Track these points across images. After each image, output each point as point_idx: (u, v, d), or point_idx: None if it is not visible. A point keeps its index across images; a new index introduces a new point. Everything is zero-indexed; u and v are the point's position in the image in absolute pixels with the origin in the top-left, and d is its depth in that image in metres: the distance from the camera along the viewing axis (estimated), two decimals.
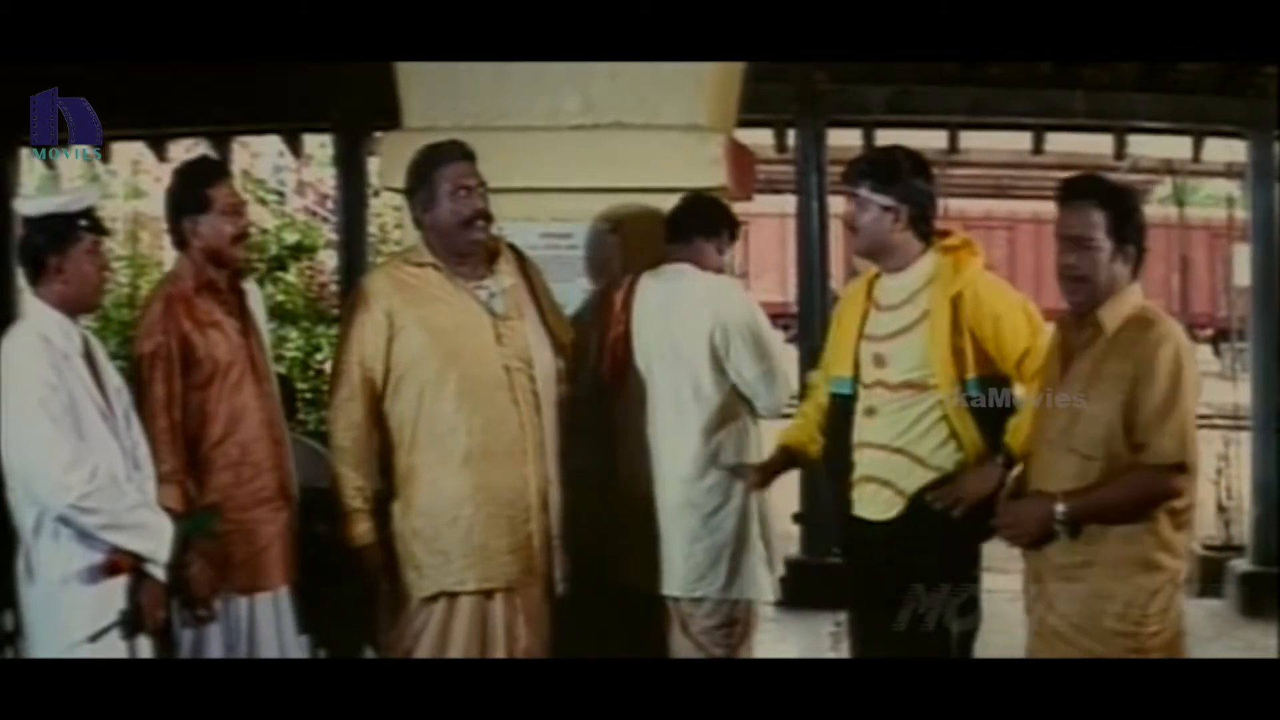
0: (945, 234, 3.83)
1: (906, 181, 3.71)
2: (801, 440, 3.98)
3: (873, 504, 3.71)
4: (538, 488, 3.79)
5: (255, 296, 3.96)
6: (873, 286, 3.81)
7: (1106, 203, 3.29)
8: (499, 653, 3.76)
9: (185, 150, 9.24)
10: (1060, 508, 3.23)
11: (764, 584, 4.13)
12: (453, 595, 3.74)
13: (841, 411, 3.77)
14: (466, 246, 3.81)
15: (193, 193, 3.77)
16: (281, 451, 3.84)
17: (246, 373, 3.75)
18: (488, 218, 3.83)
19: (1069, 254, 3.30)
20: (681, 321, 4.07)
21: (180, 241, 3.81)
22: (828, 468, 3.87)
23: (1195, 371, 3.24)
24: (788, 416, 4.15)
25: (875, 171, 3.74)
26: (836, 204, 6.34)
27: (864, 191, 3.70)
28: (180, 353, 3.65)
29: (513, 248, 4.00)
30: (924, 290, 3.71)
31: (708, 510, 4.06)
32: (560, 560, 3.86)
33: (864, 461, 3.72)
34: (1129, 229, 3.29)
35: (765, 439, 4.22)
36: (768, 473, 4.06)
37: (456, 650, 3.74)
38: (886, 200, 3.68)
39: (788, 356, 4.24)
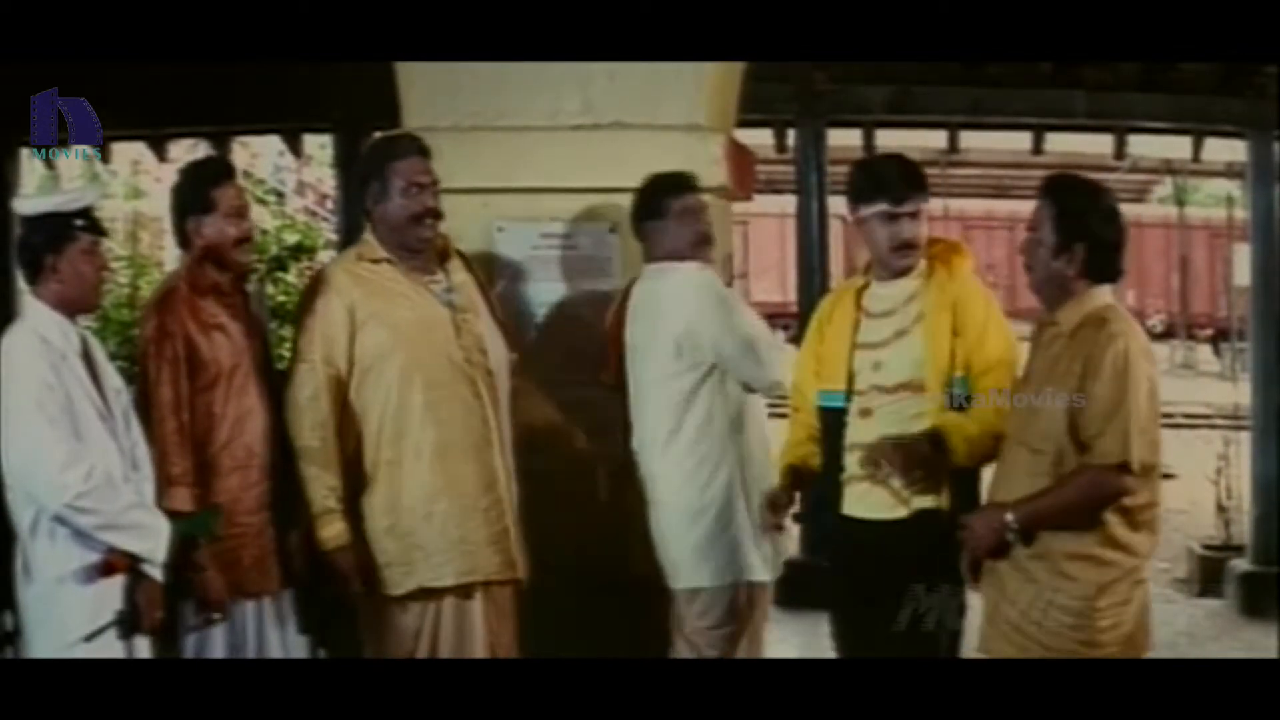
0: (933, 240, 3.82)
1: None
2: (803, 455, 3.91)
3: (865, 502, 3.70)
4: (507, 478, 3.81)
5: (256, 293, 3.94)
6: (861, 296, 3.79)
7: (1055, 199, 3.34)
8: (479, 650, 3.75)
9: (186, 150, 9.24)
10: (1009, 517, 3.27)
11: (754, 564, 4.04)
12: (435, 594, 3.73)
13: (834, 421, 3.75)
14: (415, 243, 3.79)
15: (198, 193, 3.75)
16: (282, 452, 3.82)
17: (251, 375, 3.74)
18: (437, 215, 3.81)
19: (1025, 244, 3.39)
20: (659, 318, 4.05)
21: (184, 241, 3.79)
22: (822, 476, 3.84)
23: (1150, 371, 3.24)
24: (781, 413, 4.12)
25: (919, 180, 3.73)
26: (836, 204, 6.32)
27: (925, 203, 3.72)
28: (186, 354, 3.63)
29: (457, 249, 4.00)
30: (920, 293, 3.70)
31: (694, 507, 4.02)
32: (525, 554, 3.85)
33: (855, 462, 3.70)
34: (1076, 227, 3.29)
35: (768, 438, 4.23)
36: (779, 504, 3.95)
37: (444, 649, 3.73)
38: (925, 205, 3.71)
39: (787, 356, 4.21)
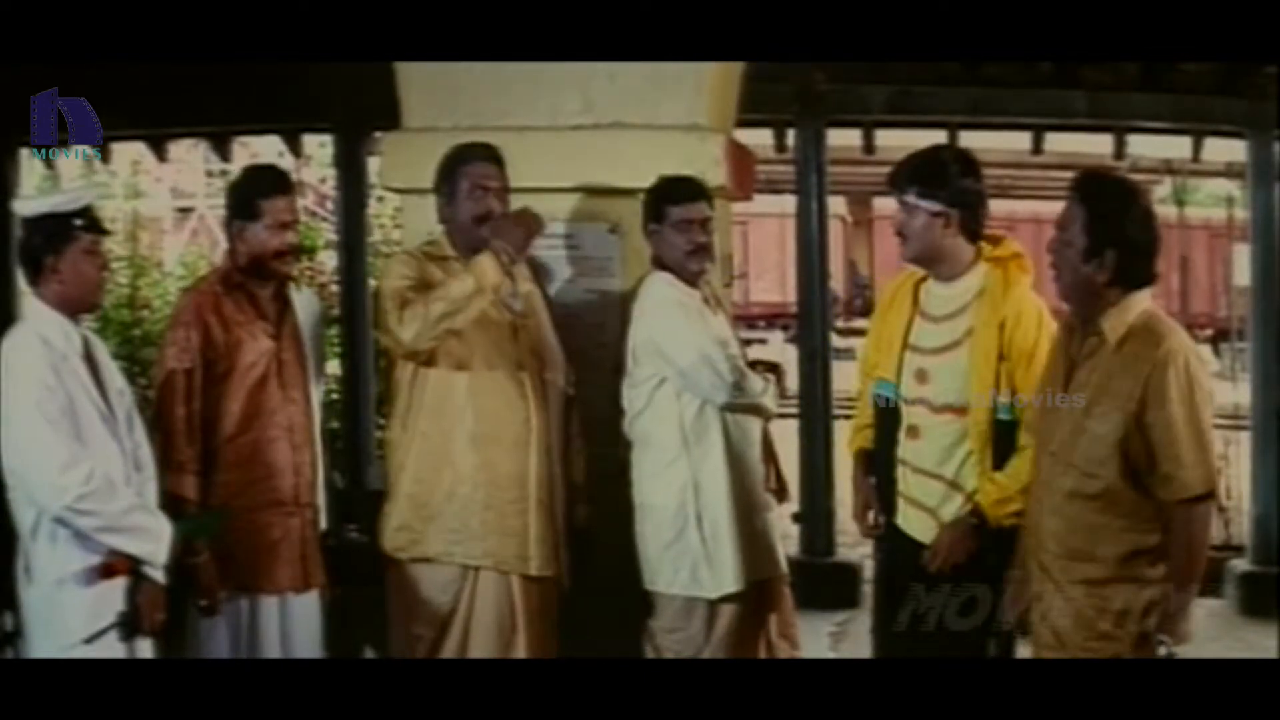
0: (996, 240, 3.77)
1: (955, 183, 3.65)
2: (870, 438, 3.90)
3: (914, 524, 3.72)
4: (539, 480, 3.84)
5: (309, 305, 4.00)
6: (919, 291, 3.76)
7: (1085, 199, 3.20)
8: (520, 637, 3.82)
9: (185, 150, 9.22)
10: (1164, 650, 3.10)
11: (704, 581, 4.01)
12: (474, 569, 3.80)
13: (886, 417, 3.76)
14: (479, 243, 3.82)
15: (246, 199, 3.84)
16: (302, 457, 3.85)
17: (272, 376, 3.79)
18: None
19: (1052, 244, 3.25)
20: (632, 323, 4.08)
21: (230, 239, 3.90)
22: (878, 476, 3.85)
23: (1207, 382, 3.11)
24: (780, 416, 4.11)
25: (921, 175, 3.67)
26: (836, 204, 6.32)
27: (911, 198, 3.65)
28: (201, 345, 3.71)
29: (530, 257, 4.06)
30: (972, 304, 3.67)
31: (663, 508, 4.03)
32: (565, 555, 3.91)
33: (905, 479, 3.72)
34: (1109, 232, 3.13)
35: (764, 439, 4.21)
36: (863, 495, 3.89)
37: (482, 627, 3.80)
38: (935, 206, 3.63)
39: (787, 356, 4.21)
